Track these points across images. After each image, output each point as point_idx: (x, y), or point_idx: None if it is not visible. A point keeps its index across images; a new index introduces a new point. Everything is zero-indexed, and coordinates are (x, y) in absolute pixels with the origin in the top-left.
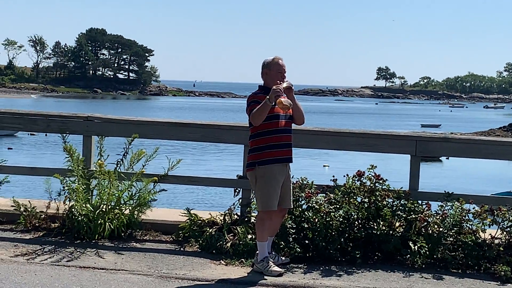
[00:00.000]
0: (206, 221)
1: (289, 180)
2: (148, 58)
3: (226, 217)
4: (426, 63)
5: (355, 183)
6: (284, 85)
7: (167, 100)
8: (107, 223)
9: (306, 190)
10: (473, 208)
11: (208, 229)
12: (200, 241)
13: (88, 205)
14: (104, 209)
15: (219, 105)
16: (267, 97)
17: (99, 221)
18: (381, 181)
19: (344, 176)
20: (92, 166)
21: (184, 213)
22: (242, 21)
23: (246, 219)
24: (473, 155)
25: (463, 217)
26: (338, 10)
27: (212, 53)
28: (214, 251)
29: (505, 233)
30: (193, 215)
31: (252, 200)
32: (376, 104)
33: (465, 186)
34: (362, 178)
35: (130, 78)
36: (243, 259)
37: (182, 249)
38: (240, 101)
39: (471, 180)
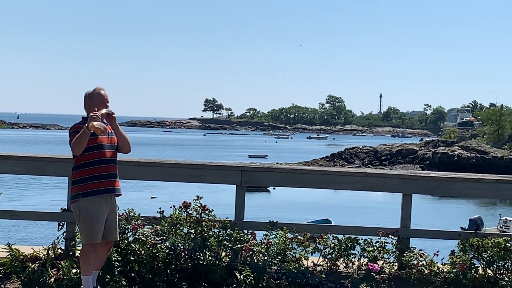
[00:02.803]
0: (28, 256)
1: (114, 212)
2: None
3: (50, 252)
4: (252, 95)
5: (182, 214)
6: (103, 111)
7: None
8: None
9: (132, 222)
10: (296, 237)
11: (30, 265)
12: (22, 277)
13: None
14: None
15: (45, 137)
16: (85, 125)
17: None
18: (207, 212)
19: (171, 207)
20: None
21: (5, 249)
22: (66, 50)
23: (71, 253)
24: (296, 184)
25: (287, 246)
26: (164, 40)
27: (36, 84)
28: (37, 287)
29: (326, 260)
30: (15, 250)
31: (77, 233)
32: (204, 135)
33: (290, 215)
34: (189, 209)
35: None
36: None
37: (2, 286)
38: (67, 133)
39: (296, 209)
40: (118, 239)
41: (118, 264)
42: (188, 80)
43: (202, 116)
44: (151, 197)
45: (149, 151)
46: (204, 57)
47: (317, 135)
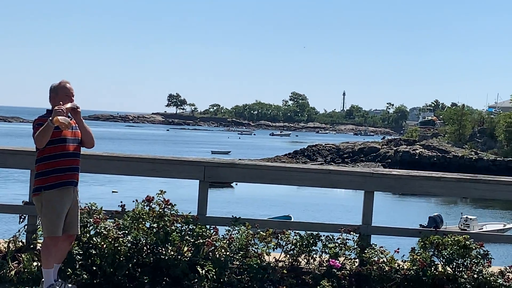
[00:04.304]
0: None
1: (76, 205)
2: None
3: (10, 245)
4: (216, 91)
5: (144, 208)
6: (68, 105)
7: None
8: None
9: (94, 215)
10: (258, 232)
11: None
12: None
13: None
14: None
15: (6, 130)
16: (49, 118)
17: None
18: (170, 206)
19: (134, 201)
20: None
21: None
22: (27, 41)
23: (32, 246)
24: (259, 180)
25: (249, 241)
26: (127, 34)
27: None
28: None
29: (288, 256)
30: None
31: (38, 226)
32: (167, 130)
33: (252, 210)
34: (151, 204)
35: None
36: (28, 287)
37: None
38: (29, 126)
39: (258, 205)
40: (80, 233)
41: (79, 257)
42: (152, 74)
43: (165, 111)
44: (113, 191)
45: (111, 145)
46: (168, 52)
47: (280, 132)
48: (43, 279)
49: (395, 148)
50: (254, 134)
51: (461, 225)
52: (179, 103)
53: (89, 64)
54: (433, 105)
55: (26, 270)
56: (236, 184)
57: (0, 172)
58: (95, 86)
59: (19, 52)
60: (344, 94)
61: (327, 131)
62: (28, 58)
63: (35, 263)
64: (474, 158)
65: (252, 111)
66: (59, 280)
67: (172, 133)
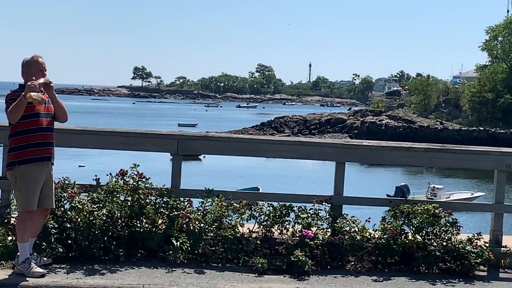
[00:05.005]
0: None
1: (51, 179)
2: None
3: None
4: (182, 64)
5: (119, 182)
6: (41, 81)
7: None
8: None
9: (68, 190)
10: (232, 204)
11: None
12: None
13: None
14: None
15: None
16: (22, 93)
17: None
18: (144, 179)
19: (108, 175)
20: None
21: None
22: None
23: (6, 220)
24: (232, 152)
25: (223, 213)
26: (92, 6)
27: None
28: None
29: (261, 227)
30: None
31: (12, 201)
32: (134, 103)
33: (221, 183)
34: (126, 177)
35: None
36: (3, 262)
37: None
38: (1, 101)
39: (227, 177)
40: (54, 207)
41: (54, 231)
42: (117, 47)
43: (131, 84)
44: (80, 166)
45: (77, 119)
46: (133, 24)
47: (247, 104)
48: (18, 253)
49: (361, 119)
50: (221, 107)
51: (429, 194)
52: (144, 76)
53: (51, 35)
54: (398, 75)
55: (0, 244)
56: (204, 156)
57: None
58: (59, 58)
59: None
60: (310, 65)
61: (294, 103)
62: None
63: (9, 238)
64: (439, 128)
65: (218, 83)
66: (35, 254)
67: (138, 106)
